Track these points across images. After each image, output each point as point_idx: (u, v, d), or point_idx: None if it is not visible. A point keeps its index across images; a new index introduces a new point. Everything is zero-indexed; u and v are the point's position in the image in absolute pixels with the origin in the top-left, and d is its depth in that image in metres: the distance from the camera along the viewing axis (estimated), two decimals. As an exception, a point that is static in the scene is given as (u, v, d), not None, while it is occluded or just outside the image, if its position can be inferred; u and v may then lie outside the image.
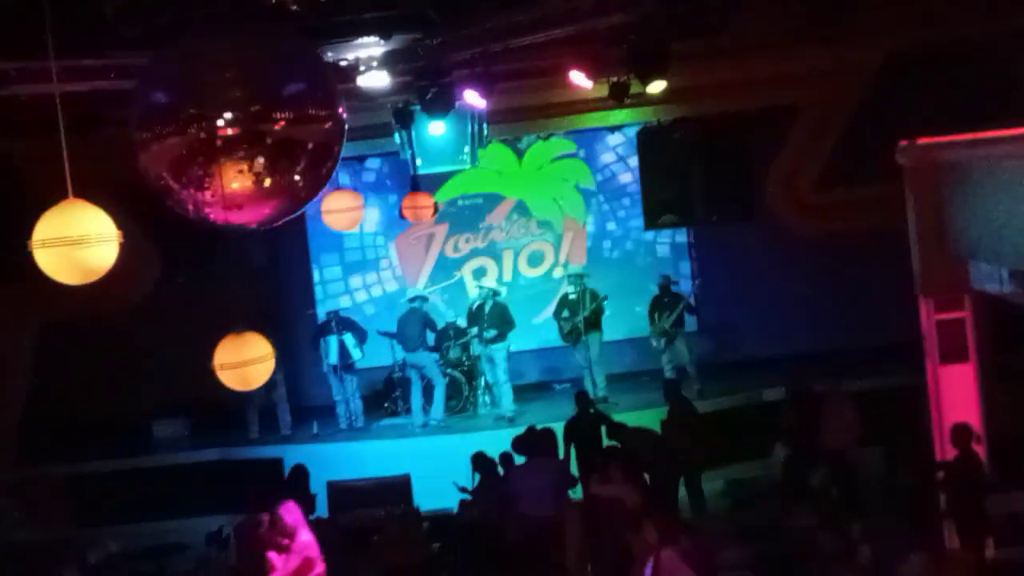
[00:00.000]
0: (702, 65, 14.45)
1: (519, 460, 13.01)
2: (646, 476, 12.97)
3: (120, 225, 6.07)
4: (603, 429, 14.13)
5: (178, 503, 16.19)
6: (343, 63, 10.88)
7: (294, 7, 7.73)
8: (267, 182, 5.51)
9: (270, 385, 13.91)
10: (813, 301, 18.52)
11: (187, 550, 14.65)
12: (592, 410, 14.56)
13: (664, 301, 17.26)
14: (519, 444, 13.15)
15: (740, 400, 16.84)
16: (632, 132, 18.10)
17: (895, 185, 12.55)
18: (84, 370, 17.32)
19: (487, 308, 17.11)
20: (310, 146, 5.64)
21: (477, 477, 13.32)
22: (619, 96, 13.60)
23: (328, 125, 5.72)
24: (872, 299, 17.02)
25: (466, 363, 17.65)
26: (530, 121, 17.19)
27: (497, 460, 13.16)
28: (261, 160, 5.44)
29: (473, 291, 18.52)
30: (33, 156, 11.30)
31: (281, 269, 18.96)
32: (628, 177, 19.13)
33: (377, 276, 19.51)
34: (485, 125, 14.87)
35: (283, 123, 5.47)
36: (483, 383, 17.59)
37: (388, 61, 11.21)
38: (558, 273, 19.26)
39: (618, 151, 19.25)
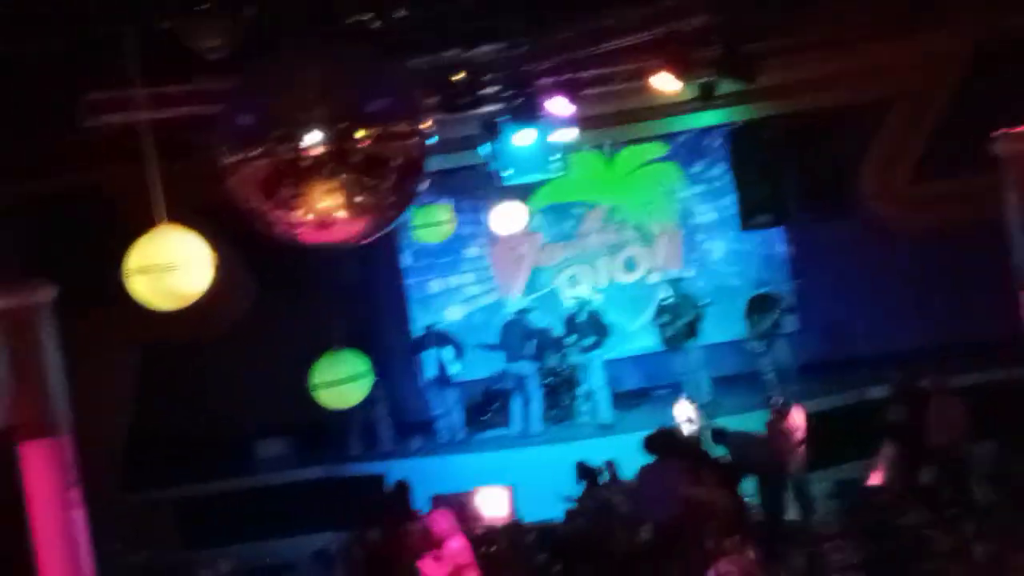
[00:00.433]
0: (791, 62, 14.26)
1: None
2: (753, 479, 12.86)
3: (214, 248, 6.10)
4: (708, 435, 14.00)
5: (283, 522, 16.24)
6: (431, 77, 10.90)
7: (376, 25, 7.74)
8: (356, 200, 5.48)
9: (370, 401, 13.98)
10: (915, 296, 18.14)
11: (294, 570, 14.77)
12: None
13: (761, 303, 17.06)
14: (651, 444, 13.03)
15: (845, 399, 16.51)
16: (723, 133, 17.94)
17: (994, 175, 12.29)
18: (185, 392, 17.54)
19: (583, 316, 17.06)
20: (398, 161, 5.58)
21: (582, 485, 13.26)
22: (708, 96, 13.49)
23: (415, 140, 5.67)
24: (976, 292, 16.65)
25: (564, 372, 17.58)
26: (618, 126, 17.02)
27: (602, 467, 13.11)
28: (349, 178, 5.41)
29: (568, 299, 18.48)
30: (125, 184, 11.44)
31: (374, 286, 18.99)
32: (721, 179, 18.91)
33: (472, 288, 19.51)
34: (573, 132, 14.80)
35: (370, 140, 5.43)
36: (582, 391, 17.49)
37: (474, 73, 11.22)
38: (653, 279, 19.10)
39: (709, 153, 19.02)
